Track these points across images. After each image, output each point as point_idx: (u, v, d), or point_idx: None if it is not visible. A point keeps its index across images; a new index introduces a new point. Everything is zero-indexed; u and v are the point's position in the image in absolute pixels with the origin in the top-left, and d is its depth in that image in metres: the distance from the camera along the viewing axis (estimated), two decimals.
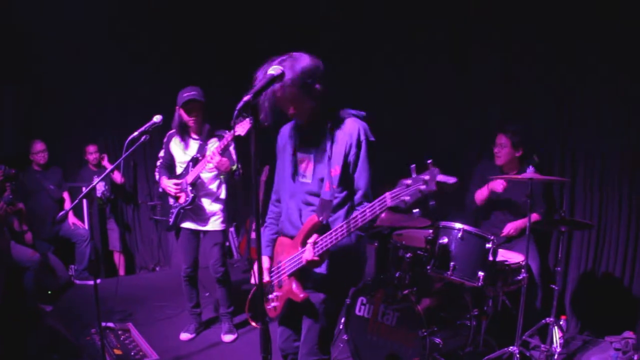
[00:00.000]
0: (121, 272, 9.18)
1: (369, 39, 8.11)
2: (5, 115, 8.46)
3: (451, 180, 2.57)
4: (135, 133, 4.74)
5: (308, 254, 3.28)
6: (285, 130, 3.75)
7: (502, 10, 6.66)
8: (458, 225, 5.08)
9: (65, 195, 8.45)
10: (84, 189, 4.64)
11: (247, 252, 9.29)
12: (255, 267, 2.99)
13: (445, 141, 7.45)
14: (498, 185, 6.07)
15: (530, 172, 5.11)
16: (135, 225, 9.80)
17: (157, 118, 4.84)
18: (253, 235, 6.10)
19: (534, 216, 6.05)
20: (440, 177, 2.56)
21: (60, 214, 4.92)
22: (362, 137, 3.35)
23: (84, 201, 8.28)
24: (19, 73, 8.27)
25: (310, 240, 3.29)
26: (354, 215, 3.09)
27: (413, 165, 2.70)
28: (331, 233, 3.20)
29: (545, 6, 6.28)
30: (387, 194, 2.82)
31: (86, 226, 8.47)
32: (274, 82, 2.99)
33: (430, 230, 5.31)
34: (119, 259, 9.17)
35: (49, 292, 7.50)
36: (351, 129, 3.36)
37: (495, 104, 6.97)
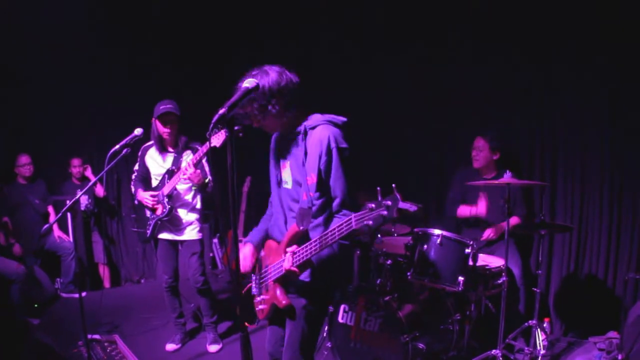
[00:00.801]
0: (106, 284, 9.15)
1: (346, 47, 8.18)
2: None
3: (412, 208, 2.62)
4: (117, 146, 4.77)
5: (287, 263, 3.33)
6: (275, 137, 3.81)
7: (479, 16, 6.73)
8: (437, 231, 5.14)
9: (50, 209, 8.44)
10: (68, 202, 4.66)
11: (230, 263, 9.31)
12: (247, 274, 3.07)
13: (425, 148, 7.52)
14: (482, 209, 6.14)
15: (507, 177, 5.16)
16: (119, 237, 9.79)
17: (138, 131, 4.88)
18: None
19: (515, 219, 6.14)
20: (402, 205, 2.62)
21: (45, 227, 4.95)
22: (332, 145, 3.37)
23: (68, 214, 8.31)
24: (2, 86, 8.27)
25: (290, 250, 3.34)
26: (325, 232, 3.14)
27: (379, 188, 2.75)
28: (307, 246, 3.25)
29: (521, 11, 6.35)
30: (353, 217, 2.88)
31: (71, 239, 8.46)
32: (249, 95, 3.02)
33: (410, 237, 5.36)
34: (103, 271, 9.14)
35: (36, 306, 7.49)
36: (321, 137, 3.38)
37: (474, 108, 7.02)
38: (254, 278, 3.81)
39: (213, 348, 6.26)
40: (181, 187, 5.89)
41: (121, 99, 9.16)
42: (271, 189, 3.84)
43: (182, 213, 5.99)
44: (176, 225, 6.00)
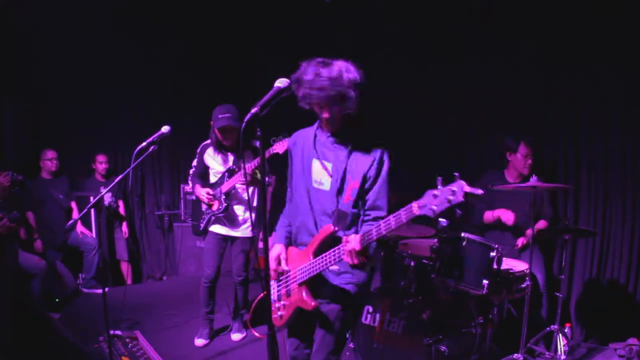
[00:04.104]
0: (128, 281, 9.21)
1: (365, 51, 8.16)
2: (12, 124, 8.47)
3: (478, 192, 2.62)
4: (144, 143, 4.79)
5: (354, 244, 3.17)
6: (302, 135, 3.79)
7: (501, 13, 6.72)
8: (462, 234, 5.13)
9: (73, 204, 8.51)
10: (91, 198, 4.68)
11: (254, 262, 9.32)
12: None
13: (447, 151, 7.54)
14: (509, 218, 6.10)
15: (533, 181, 5.14)
16: (142, 234, 9.85)
17: (165, 129, 4.90)
18: (260, 244, 6.19)
19: (542, 223, 6.12)
20: (468, 189, 2.63)
21: (69, 222, 4.96)
22: (385, 158, 3.47)
23: (92, 210, 8.34)
24: (25, 82, 8.34)
25: (348, 237, 3.24)
26: (377, 223, 3.08)
27: (440, 178, 2.75)
28: (370, 230, 3.13)
29: (544, 13, 6.35)
30: (414, 203, 2.84)
31: (94, 235, 8.52)
32: (280, 95, 3.03)
33: (435, 240, 5.35)
34: (126, 268, 9.20)
35: (57, 300, 7.54)
36: (375, 147, 3.47)
37: (497, 111, 7.03)
38: (272, 284, 3.80)
39: (236, 336, 6.45)
40: (240, 185, 5.98)
41: (148, 96, 9.26)
42: (297, 187, 3.78)
43: (240, 210, 6.12)
44: (232, 221, 6.13)
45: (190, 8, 9.18)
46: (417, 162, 7.58)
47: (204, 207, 6.13)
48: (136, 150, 4.76)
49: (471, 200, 2.63)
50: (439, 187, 2.72)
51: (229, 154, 6.02)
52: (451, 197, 2.65)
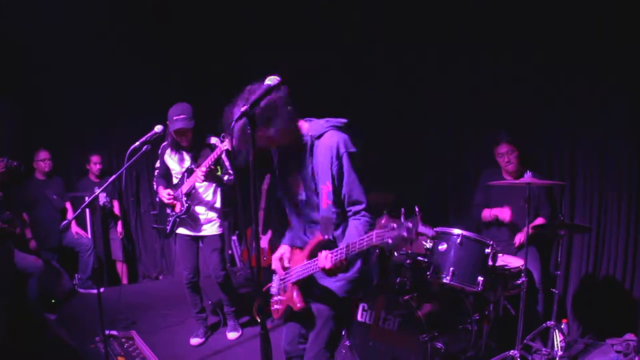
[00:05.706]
0: (124, 280, 9.22)
1: (361, 51, 8.16)
2: (6, 123, 8.42)
3: (430, 232, 2.78)
4: (137, 143, 4.78)
5: (323, 262, 3.29)
6: (276, 154, 3.75)
7: (500, 13, 6.69)
8: (457, 231, 5.14)
9: (68, 205, 8.49)
10: (86, 198, 4.66)
11: (250, 260, 9.31)
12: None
13: (443, 148, 7.53)
14: (505, 216, 6.10)
15: (528, 177, 5.13)
16: (138, 234, 9.82)
17: (158, 128, 4.89)
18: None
19: (540, 220, 6.11)
20: (421, 229, 2.78)
21: (64, 223, 4.95)
22: (342, 150, 3.36)
23: (87, 211, 8.32)
24: (18, 82, 8.32)
25: (325, 252, 3.31)
26: (348, 244, 3.15)
27: (402, 209, 2.96)
28: (336, 251, 3.23)
29: (540, 11, 6.31)
30: (374, 233, 2.96)
31: (89, 235, 8.50)
32: (270, 93, 3.01)
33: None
34: (122, 268, 9.19)
35: (53, 301, 7.52)
36: (330, 142, 3.37)
37: (492, 108, 7.02)
38: (275, 279, 3.83)
39: (232, 335, 6.45)
40: (200, 185, 5.91)
41: (140, 96, 9.19)
42: (284, 203, 3.82)
43: (201, 210, 6.06)
44: (196, 222, 6.05)
45: (185, 8, 9.14)
46: (414, 163, 7.58)
47: (168, 209, 6.06)
48: (129, 150, 4.75)
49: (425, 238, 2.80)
50: (401, 218, 2.85)
51: (184, 153, 5.95)
52: (405, 235, 2.79)
